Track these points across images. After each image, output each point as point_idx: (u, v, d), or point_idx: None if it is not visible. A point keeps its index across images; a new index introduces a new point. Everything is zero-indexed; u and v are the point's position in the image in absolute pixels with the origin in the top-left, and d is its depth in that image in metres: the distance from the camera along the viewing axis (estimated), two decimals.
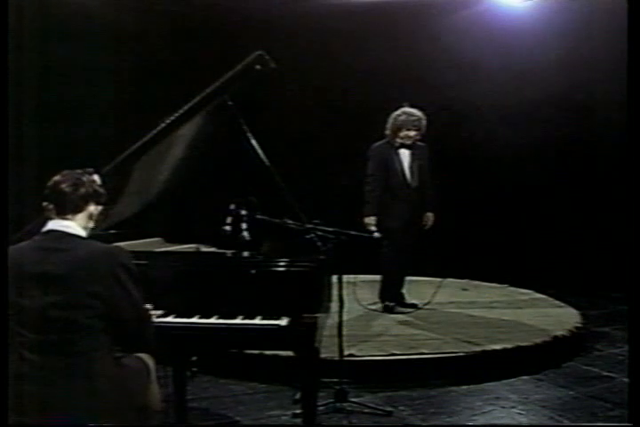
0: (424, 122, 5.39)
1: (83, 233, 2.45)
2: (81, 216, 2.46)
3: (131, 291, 2.38)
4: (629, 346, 3.77)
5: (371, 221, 5.30)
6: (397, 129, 5.38)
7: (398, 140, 5.42)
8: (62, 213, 2.43)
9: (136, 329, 2.45)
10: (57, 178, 2.46)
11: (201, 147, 3.50)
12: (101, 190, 2.53)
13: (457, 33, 6.86)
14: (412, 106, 5.45)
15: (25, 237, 2.57)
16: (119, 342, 2.44)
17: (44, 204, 2.46)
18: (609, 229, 6.61)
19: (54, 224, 2.43)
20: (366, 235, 3.74)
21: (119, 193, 3.16)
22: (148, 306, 2.65)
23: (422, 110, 5.42)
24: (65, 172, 2.49)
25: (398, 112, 5.40)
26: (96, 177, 2.56)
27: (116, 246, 2.58)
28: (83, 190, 2.44)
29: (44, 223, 2.48)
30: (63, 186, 2.43)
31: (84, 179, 2.48)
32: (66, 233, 2.41)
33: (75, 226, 2.43)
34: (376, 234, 4.69)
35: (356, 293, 5.33)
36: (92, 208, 2.49)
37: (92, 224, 2.52)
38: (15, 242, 2.52)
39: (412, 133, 5.37)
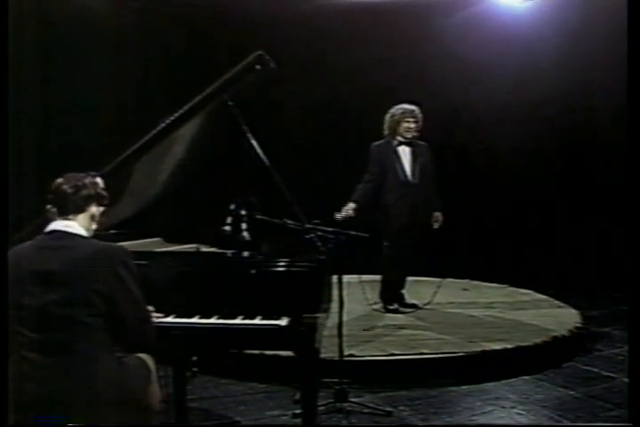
0: (420, 115, 5.43)
1: (84, 233, 2.48)
2: (82, 217, 2.49)
3: (132, 289, 2.40)
4: (629, 346, 3.77)
5: (349, 206, 5.21)
6: (397, 124, 5.40)
7: (399, 138, 5.44)
8: (64, 214, 2.47)
9: (136, 328, 2.46)
10: (59, 180, 2.50)
11: (201, 147, 3.50)
12: (103, 192, 2.57)
13: (457, 33, 6.85)
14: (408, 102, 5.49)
15: (25, 237, 2.58)
16: (119, 342, 2.44)
17: (48, 206, 2.50)
18: (609, 230, 6.61)
19: (57, 225, 2.46)
20: (353, 233, 3.68)
21: (119, 193, 3.16)
22: (150, 308, 2.67)
23: (418, 105, 5.45)
24: (67, 175, 2.53)
25: (392, 109, 5.46)
26: (99, 180, 2.61)
27: (118, 245, 2.60)
28: (84, 191, 2.49)
29: (45, 224, 2.50)
30: (64, 187, 2.47)
31: (86, 180, 2.52)
32: (68, 233, 2.44)
33: (76, 226, 2.46)
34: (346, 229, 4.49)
35: (365, 292, 5.36)
36: (94, 209, 2.53)
37: (94, 226, 2.55)
38: (16, 243, 2.54)
39: (413, 125, 5.40)
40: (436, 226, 5.52)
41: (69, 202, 2.46)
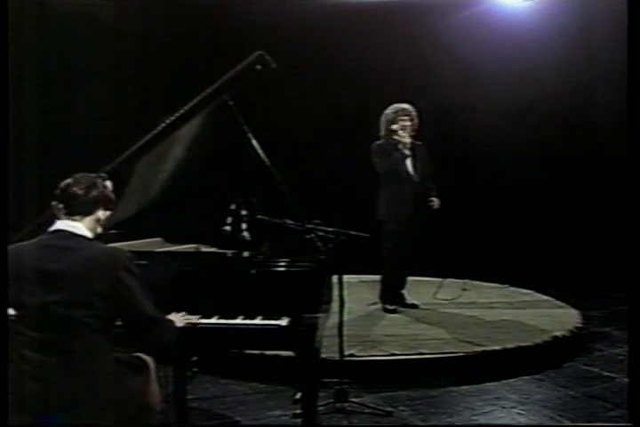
0: (414, 113, 5.43)
1: (89, 235, 2.47)
2: (89, 219, 2.48)
3: (135, 292, 2.39)
4: (629, 346, 3.77)
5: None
6: (391, 123, 5.42)
7: (395, 137, 5.43)
8: (71, 215, 2.45)
9: (144, 330, 2.45)
10: (70, 180, 2.49)
11: (201, 147, 3.50)
12: (112, 196, 2.57)
13: (457, 33, 6.87)
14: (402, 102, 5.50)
15: (26, 237, 2.58)
16: (136, 345, 2.44)
17: (54, 203, 2.48)
18: (609, 229, 6.61)
19: (62, 224, 2.45)
20: (353, 233, 3.68)
21: (120, 193, 3.16)
22: (183, 313, 2.69)
23: (412, 104, 5.45)
24: (78, 175, 2.51)
25: (387, 110, 5.48)
26: (108, 183, 2.59)
27: (120, 249, 2.60)
28: (95, 194, 2.47)
29: (45, 223, 2.49)
30: (75, 188, 2.46)
31: (97, 183, 2.51)
32: (72, 233, 2.43)
33: (82, 227, 2.46)
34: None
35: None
36: (101, 213, 2.52)
37: (99, 229, 2.54)
38: (16, 242, 2.53)
39: (408, 124, 5.39)
40: (434, 207, 5.39)
41: (78, 203, 2.45)
